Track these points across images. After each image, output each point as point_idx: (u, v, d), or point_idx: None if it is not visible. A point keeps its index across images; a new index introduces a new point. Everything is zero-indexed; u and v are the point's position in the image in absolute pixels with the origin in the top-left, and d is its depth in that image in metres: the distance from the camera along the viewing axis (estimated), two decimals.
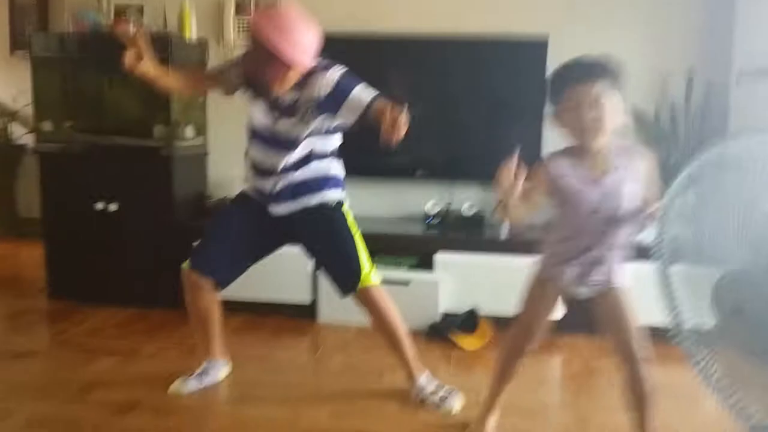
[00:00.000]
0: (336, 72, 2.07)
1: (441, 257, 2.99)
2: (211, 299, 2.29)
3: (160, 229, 3.16)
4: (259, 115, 2.16)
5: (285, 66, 2.00)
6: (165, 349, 2.69)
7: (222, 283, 2.27)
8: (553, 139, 3.15)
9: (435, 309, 2.96)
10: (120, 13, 3.48)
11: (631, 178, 1.77)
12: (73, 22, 3.30)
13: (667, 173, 3.14)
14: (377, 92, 2.06)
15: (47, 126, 3.33)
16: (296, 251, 2.29)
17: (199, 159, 3.50)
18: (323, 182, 2.22)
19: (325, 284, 3.02)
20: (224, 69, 2.27)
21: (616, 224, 1.79)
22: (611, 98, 1.71)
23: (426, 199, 3.34)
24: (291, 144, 2.14)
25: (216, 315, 2.34)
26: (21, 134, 5.11)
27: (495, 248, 3.02)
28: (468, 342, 2.78)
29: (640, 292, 2.68)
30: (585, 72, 1.72)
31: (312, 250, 2.28)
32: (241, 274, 2.30)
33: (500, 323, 2.76)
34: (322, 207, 2.22)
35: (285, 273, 3.00)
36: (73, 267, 3.27)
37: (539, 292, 1.90)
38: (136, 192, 3.18)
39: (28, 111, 3.60)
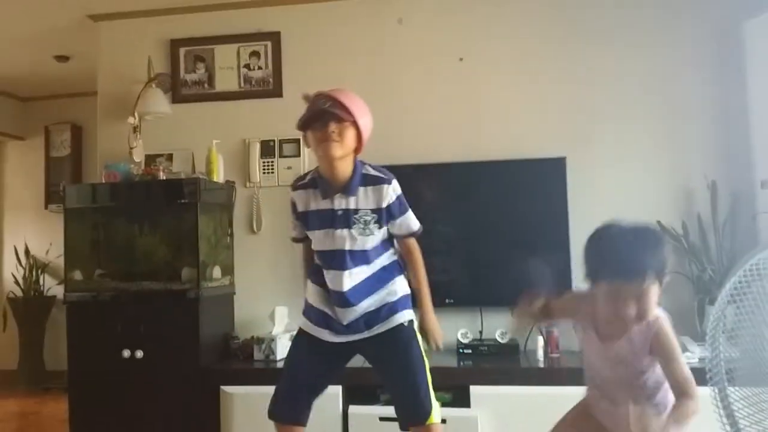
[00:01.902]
0: (396, 182, 2.08)
1: (477, 390, 2.85)
2: None
3: (186, 374, 3.09)
4: (316, 235, 2.09)
5: (347, 124, 1.99)
6: None
7: (299, 421, 2.14)
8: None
9: None
10: (150, 161, 3.63)
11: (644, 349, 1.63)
12: (104, 174, 3.43)
13: (701, 289, 3.09)
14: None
15: (77, 275, 3.37)
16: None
17: (226, 299, 3.49)
18: (398, 302, 2.12)
19: (357, 428, 2.88)
20: (298, 229, 2.22)
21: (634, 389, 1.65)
22: (654, 290, 1.53)
23: (456, 328, 3.24)
24: (353, 259, 2.06)
25: None
26: (51, 286, 5.21)
27: (534, 378, 2.88)
28: None
29: (698, 417, 2.54)
30: (631, 265, 1.52)
31: (380, 373, 2.17)
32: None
33: None
34: (402, 327, 2.11)
35: (314, 412, 2.86)
36: (98, 420, 3.16)
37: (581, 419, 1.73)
38: (164, 337, 3.13)
39: (60, 262, 3.67)
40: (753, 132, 3.22)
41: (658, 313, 1.60)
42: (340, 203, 2.05)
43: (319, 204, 2.07)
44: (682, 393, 1.57)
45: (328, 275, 2.09)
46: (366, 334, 2.11)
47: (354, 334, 2.11)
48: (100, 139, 3.86)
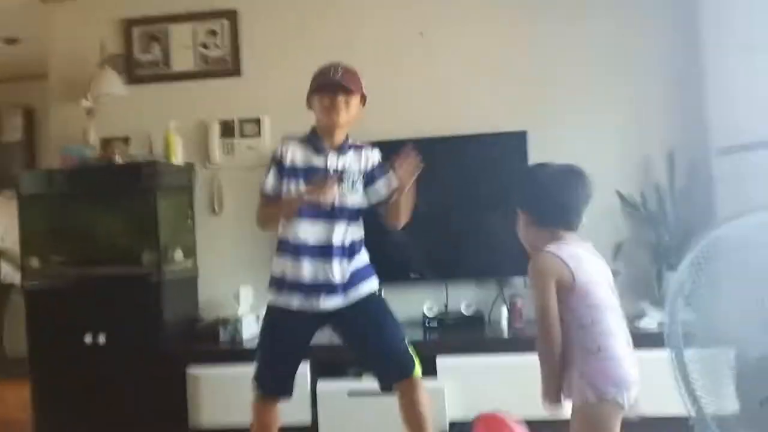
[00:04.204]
0: (377, 151, 2.27)
1: (443, 361, 2.89)
2: (275, 414, 2.28)
3: (151, 357, 3.06)
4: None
5: (354, 95, 2.15)
6: None
7: (288, 397, 2.26)
8: None
9: (442, 419, 2.81)
10: (106, 145, 3.54)
11: None
12: (61, 157, 3.34)
13: (660, 255, 3.17)
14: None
15: (34, 262, 3.30)
16: None
17: (189, 282, 3.46)
18: (369, 269, 2.25)
19: (326, 403, 2.90)
20: (275, 184, 2.22)
21: None
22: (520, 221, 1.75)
23: (421, 302, 3.27)
24: (342, 213, 2.15)
25: (277, 428, 2.30)
26: (7, 272, 5.09)
27: (499, 348, 2.93)
28: None
29: (653, 380, 2.62)
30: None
31: (358, 341, 2.24)
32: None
33: None
34: (371, 296, 2.23)
35: None
36: (61, 406, 3.12)
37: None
38: (126, 321, 3.10)
39: (17, 249, 3.58)
40: (709, 101, 3.28)
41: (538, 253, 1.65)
42: (332, 162, 2.18)
43: (311, 160, 2.18)
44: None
45: (314, 227, 2.14)
46: (342, 302, 2.18)
47: (330, 300, 2.16)
48: (53, 123, 3.76)
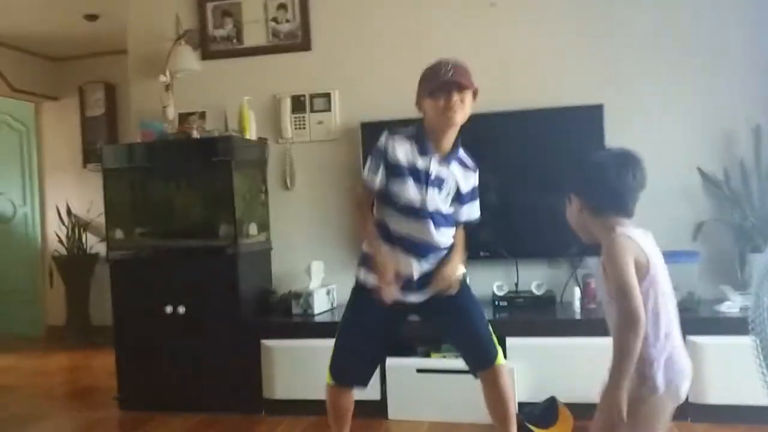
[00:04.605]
0: (477, 173, 2.22)
1: (513, 342, 2.86)
2: (351, 400, 2.28)
3: (227, 328, 3.17)
4: (407, 187, 2.11)
5: (468, 91, 2.07)
6: None
7: (365, 385, 2.27)
8: None
9: None
10: (183, 120, 3.64)
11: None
12: (140, 133, 3.46)
13: (743, 237, 3.02)
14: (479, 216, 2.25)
15: (118, 234, 3.44)
16: None
17: (263, 255, 3.54)
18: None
19: (395, 379, 2.93)
20: (376, 169, 2.14)
21: None
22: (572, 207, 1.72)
23: (491, 281, 3.25)
24: (438, 218, 2.13)
25: (351, 410, 2.30)
26: (94, 243, 5.34)
27: (570, 329, 2.88)
28: None
29: (734, 368, 2.52)
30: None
31: (445, 330, 2.25)
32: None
33: (580, 411, 2.58)
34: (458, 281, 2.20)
35: None
36: (144, 373, 3.28)
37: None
38: (204, 293, 3.21)
39: (102, 220, 3.75)
40: None
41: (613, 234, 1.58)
42: (435, 168, 2.12)
43: (416, 159, 2.11)
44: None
45: (409, 224, 2.11)
46: (427, 294, 2.16)
47: (419, 294, 2.16)
48: (133, 98, 3.88)
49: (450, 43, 3.38)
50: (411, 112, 2.23)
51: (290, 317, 3.23)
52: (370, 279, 2.15)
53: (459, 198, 2.19)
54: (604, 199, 1.62)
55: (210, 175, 3.34)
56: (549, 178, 3.21)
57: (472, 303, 2.22)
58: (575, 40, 3.31)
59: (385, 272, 2.06)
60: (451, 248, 2.20)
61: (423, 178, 2.10)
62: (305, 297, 3.22)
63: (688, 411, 2.59)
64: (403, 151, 2.11)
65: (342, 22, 3.57)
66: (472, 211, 2.24)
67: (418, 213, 2.10)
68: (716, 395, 2.64)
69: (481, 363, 2.18)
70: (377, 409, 2.94)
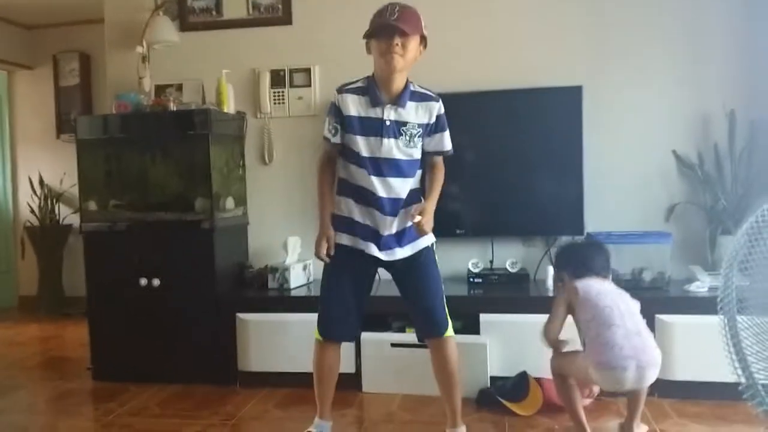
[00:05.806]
0: (441, 102, 2.21)
1: (487, 318, 2.90)
2: (336, 358, 2.31)
3: (202, 301, 3.16)
4: (363, 140, 2.13)
5: (411, 37, 2.06)
6: (211, 427, 2.63)
7: (351, 340, 2.36)
8: (594, 190, 3.11)
9: (484, 374, 2.85)
10: (160, 92, 3.60)
11: None
12: (115, 104, 3.41)
13: (714, 219, 3.08)
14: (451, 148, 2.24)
15: (92, 205, 3.40)
16: None
17: (239, 229, 3.53)
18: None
19: (369, 353, 2.96)
20: (332, 128, 2.18)
21: None
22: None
23: (467, 258, 3.28)
24: (397, 168, 2.14)
25: (336, 374, 2.33)
26: (67, 214, 5.27)
27: (543, 307, 2.90)
28: (521, 407, 2.65)
29: (702, 346, 2.59)
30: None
31: (407, 289, 2.27)
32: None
33: (550, 386, 2.63)
34: (427, 250, 2.24)
35: None
36: (118, 344, 3.26)
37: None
38: (179, 266, 3.19)
39: (75, 192, 3.70)
40: None
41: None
42: (389, 114, 2.13)
43: (368, 111, 2.14)
44: None
45: (367, 181, 2.14)
46: (399, 255, 2.20)
47: (390, 251, 2.19)
48: (109, 69, 3.82)
49: (432, 22, 3.36)
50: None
51: (266, 291, 3.23)
52: (343, 238, 2.21)
53: (429, 130, 2.19)
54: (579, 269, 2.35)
55: (187, 148, 3.32)
56: (526, 158, 3.25)
57: (432, 278, 2.24)
58: (556, 21, 3.32)
59: (318, 246, 2.19)
60: (417, 198, 2.23)
61: (378, 129, 2.11)
62: (281, 272, 3.22)
63: (655, 387, 2.65)
64: (354, 105, 2.14)
65: None
66: (441, 143, 2.22)
67: (378, 165, 2.13)
68: (684, 372, 2.70)
69: (432, 331, 2.23)
70: (352, 381, 2.97)
